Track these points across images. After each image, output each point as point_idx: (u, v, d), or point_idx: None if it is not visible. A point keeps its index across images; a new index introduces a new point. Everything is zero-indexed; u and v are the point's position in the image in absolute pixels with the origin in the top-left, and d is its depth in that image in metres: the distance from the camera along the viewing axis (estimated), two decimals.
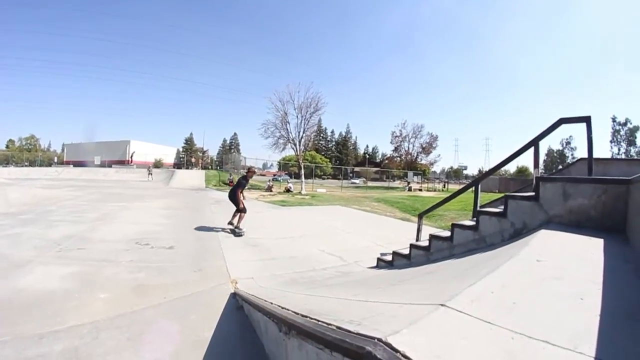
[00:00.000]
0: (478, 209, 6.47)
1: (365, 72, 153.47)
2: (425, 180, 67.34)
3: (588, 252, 3.33)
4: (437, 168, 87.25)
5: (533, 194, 5.16)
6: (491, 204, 7.76)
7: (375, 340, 1.63)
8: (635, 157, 55.30)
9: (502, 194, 7.13)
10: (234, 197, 12.36)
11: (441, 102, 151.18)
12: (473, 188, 7.45)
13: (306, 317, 2.54)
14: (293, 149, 41.28)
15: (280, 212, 19.56)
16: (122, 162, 71.25)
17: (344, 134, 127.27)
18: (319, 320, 2.29)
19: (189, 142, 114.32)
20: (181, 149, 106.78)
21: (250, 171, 12.96)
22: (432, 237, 7.04)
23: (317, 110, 41.24)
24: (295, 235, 12.56)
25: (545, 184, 4.98)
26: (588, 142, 6.22)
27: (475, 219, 6.22)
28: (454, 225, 6.61)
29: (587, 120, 6.11)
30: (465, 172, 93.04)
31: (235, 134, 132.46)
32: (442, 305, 2.13)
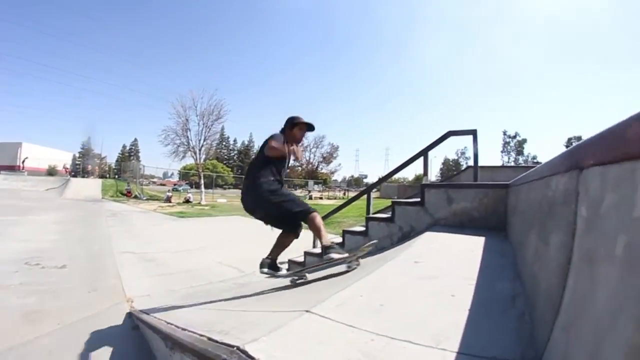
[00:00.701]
0: (369, 215, 6.60)
1: (271, 80, 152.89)
2: (327, 189, 68.39)
3: (467, 250, 3.50)
4: (338, 177, 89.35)
5: (419, 199, 5.42)
6: (385, 210, 7.98)
7: (234, 348, 1.62)
8: (521, 165, 61.10)
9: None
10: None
11: (343, 113, 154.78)
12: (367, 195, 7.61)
13: (185, 330, 2.46)
14: (193, 157, 39.24)
15: (178, 224, 18.82)
16: (11, 168, 63.48)
17: (246, 142, 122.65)
18: (195, 333, 2.24)
19: (85, 147, 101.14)
20: (77, 155, 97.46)
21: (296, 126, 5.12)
22: (324, 246, 7.05)
23: (220, 118, 39.91)
24: (193, 247, 12.10)
25: (430, 190, 5.28)
26: (474, 153, 6.65)
27: (365, 224, 6.37)
28: (345, 232, 6.75)
29: (473, 133, 6.55)
30: (365, 180, 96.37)
31: (135, 139, 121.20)
32: (306, 311, 2.14)
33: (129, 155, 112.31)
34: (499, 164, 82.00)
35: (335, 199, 52.10)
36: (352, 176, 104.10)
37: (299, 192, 63.79)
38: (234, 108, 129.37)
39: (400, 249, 4.20)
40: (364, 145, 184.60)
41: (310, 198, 50.37)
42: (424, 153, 6.88)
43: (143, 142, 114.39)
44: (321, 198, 52.06)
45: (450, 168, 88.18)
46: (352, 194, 57.05)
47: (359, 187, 79.15)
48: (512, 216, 4.05)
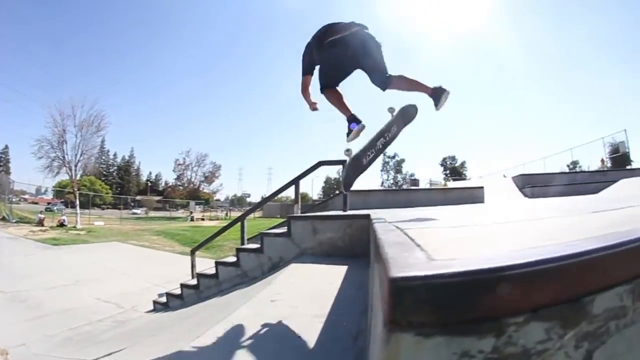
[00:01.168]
0: (239, 246, 6.61)
1: (159, 93, 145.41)
2: (209, 209, 66.82)
3: (327, 283, 3.60)
4: (221, 196, 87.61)
5: (286, 230, 5.53)
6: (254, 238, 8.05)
7: None
8: (392, 188, 64.62)
9: (282, 219, 7.47)
10: None
11: (228, 131, 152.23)
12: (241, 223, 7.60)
13: None
14: (68, 174, 35.15)
15: (52, 253, 17.04)
16: None
17: (127, 157, 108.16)
18: None
19: None
20: None
21: None
22: (199, 276, 7.06)
23: (100, 130, 36.85)
24: (68, 282, 11.21)
25: (296, 221, 5.43)
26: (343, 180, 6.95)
27: (236, 255, 6.38)
28: (217, 263, 6.71)
29: (343, 163, 6.83)
30: (248, 199, 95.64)
31: (6, 146, 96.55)
32: None
33: None
34: (379, 182, 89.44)
35: (217, 219, 50.73)
36: (235, 195, 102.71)
37: (180, 213, 61.41)
38: (116, 119, 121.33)
39: (262, 284, 4.27)
40: (248, 164, 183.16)
41: (192, 219, 48.58)
42: (295, 182, 7.13)
43: (16, 150, 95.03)
44: (203, 219, 50.37)
45: (332, 187, 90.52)
46: (235, 214, 56.30)
47: (242, 206, 78.12)
48: (372, 245, 4.25)
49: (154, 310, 8.00)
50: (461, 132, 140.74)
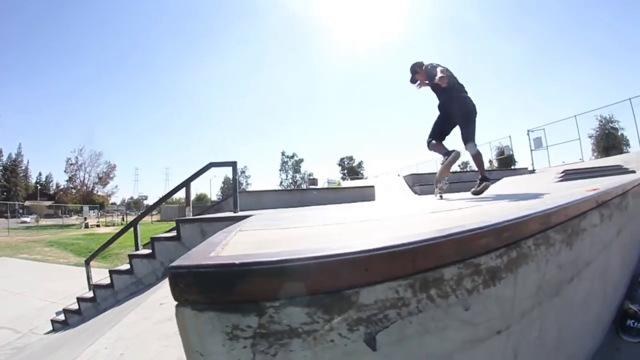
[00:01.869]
0: (132, 252, 6.60)
1: (53, 81, 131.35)
2: (104, 214, 62.50)
3: None
4: (117, 199, 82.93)
5: (175, 234, 5.67)
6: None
7: None
8: (288, 188, 65.47)
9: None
10: None
11: (124, 129, 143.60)
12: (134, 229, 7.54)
13: None
14: None
15: None
16: None
17: (14, 156, 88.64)
18: None
19: None
20: None
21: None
22: (95, 287, 6.88)
23: None
24: None
25: (185, 225, 5.57)
26: (233, 182, 7.19)
27: (129, 262, 6.35)
28: (111, 272, 6.60)
29: (233, 164, 7.11)
30: (145, 202, 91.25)
31: None
32: None
33: None
34: (278, 181, 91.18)
35: (113, 225, 47.79)
36: (132, 198, 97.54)
37: (74, 219, 56.94)
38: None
39: (153, 290, 4.39)
40: (145, 164, 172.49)
41: (87, 226, 45.08)
42: (186, 184, 7.20)
43: None
44: (98, 225, 46.86)
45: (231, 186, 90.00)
46: (132, 218, 53.39)
47: (139, 209, 74.09)
48: None
49: (54, 330, 7.58)
50: (360, 133, 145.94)
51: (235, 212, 6.93)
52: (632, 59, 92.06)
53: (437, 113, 5.68)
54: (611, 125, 39.77)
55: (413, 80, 5.85)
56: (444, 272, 1.04)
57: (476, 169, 5.51)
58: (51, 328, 7.79)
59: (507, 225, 1.28)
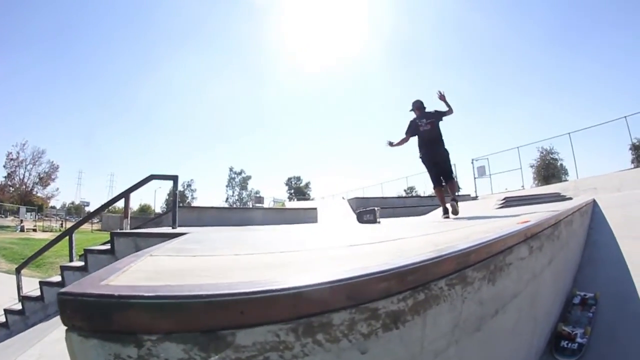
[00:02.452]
0: (65, 264, 6.50)
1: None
2: (43, 218, 58.86)
3: None
4: (57, 203, 79.16)
5: (109, 247, 5.64)
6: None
7: None
8: (233, 207, 64.25)
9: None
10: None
11: (70, 127, 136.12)
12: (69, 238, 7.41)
13: None
14: None
15: None
16: None
17: None
18: None
19: None
20: None
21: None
22: (25, 299, 6.65)
23: None
24: None
25: (119, 238, 5.56)
26: (173, 197, 7.23)
27: (61, 274, 6.23)
28: (41, 283, 6.43)
29: (174, 178, 7.16)
30: (87, 208, 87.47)
31: None
32: None
33: None
34: (224, 197, 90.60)
35: (51, 231, 44.74)
36: (73, 203, 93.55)
37: (9, 220, 53.47)
38: None
39: None
40: (89, 168, 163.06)
41: (22, 230, 42.75)
42: (125, 195, 7.23)
43: None
44: (35, 230, 44.79)
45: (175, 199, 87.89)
46: (70, 224, 50.78)
47: (80, 215, 70.62)
48: None
49: None
50: (310, 153, 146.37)
51: (173, 227, 6.93)
52: (572, 93, 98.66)
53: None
54: (551, 156, 41.93)
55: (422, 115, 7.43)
56: (332, 317, 1.00)
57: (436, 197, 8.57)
58: None
59: (413, 269, 1.23)
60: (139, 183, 7.34)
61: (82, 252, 7.07)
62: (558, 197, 14.48)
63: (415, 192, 46.78)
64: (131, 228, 7.54)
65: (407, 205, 19.53)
